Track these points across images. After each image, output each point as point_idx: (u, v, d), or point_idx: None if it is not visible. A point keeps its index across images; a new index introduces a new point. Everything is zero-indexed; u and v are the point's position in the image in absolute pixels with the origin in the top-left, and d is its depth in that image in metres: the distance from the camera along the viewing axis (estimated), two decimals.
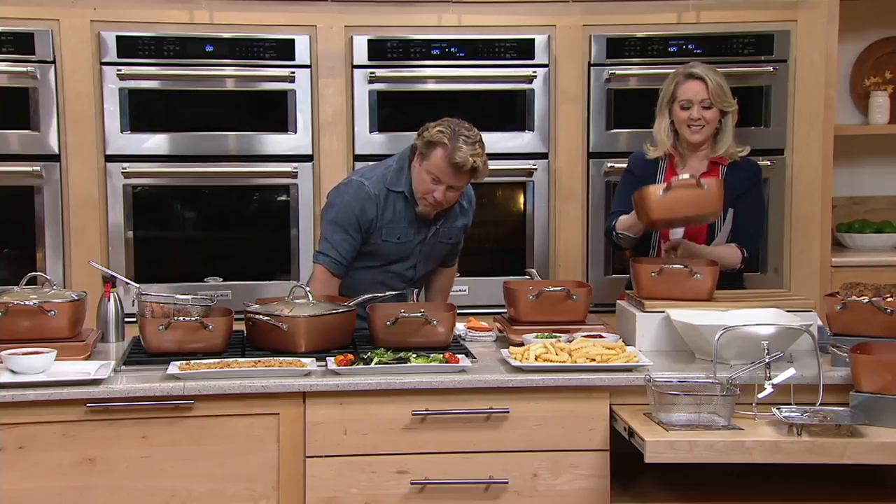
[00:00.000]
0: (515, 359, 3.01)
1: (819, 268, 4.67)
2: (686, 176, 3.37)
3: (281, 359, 3.02)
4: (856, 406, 2.82)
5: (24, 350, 2.92)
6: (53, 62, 4.33)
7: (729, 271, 3.62)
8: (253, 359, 3.03)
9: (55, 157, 4.37)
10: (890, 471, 3.00)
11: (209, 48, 4.41)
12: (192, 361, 2.97)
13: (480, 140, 3.42)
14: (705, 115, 3.63)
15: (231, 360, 3.01)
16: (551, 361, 2.98)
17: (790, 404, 2.84)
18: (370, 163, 3.96)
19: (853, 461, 2.72)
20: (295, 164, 4.48)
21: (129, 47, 4.36)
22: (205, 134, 4.47)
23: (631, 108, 4.56)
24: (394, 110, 4.51)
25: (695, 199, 3.33)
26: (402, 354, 3.03)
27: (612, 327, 3.39)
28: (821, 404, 2.85)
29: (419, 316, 3.14)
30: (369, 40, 4.46)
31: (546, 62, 4.54)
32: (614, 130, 4.58)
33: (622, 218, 3.65)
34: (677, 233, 3.69)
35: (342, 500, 2.93)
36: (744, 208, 3.70)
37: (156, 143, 4.43)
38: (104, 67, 4.36)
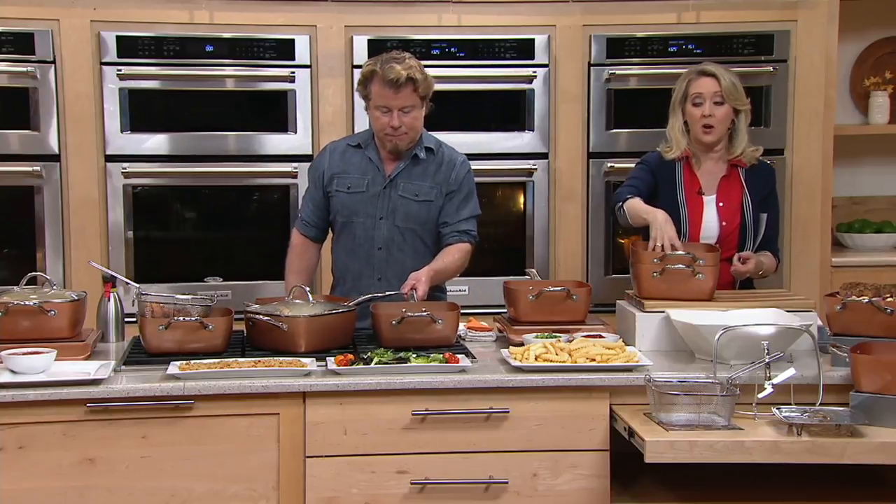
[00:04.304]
0: (515, 359, 3.01)
1: (819, 268, 4.67)
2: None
3: (281, 359, 3.02)
4: (856, 406, 2.82)
5: (24, 350, 2.92)
6: (53, 62, 4.33)
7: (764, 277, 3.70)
8: (253, 359, 3.03)
9: (55, 157, 4.37)
10: (890, 471, 3.00)
11: (209, 48, 4.41)
12: (192, 361, 2.97)
13: (411, 57, 3.55)
14: (717, 112, 3.61)
15: (231, 360, 3.01)
16: (551, 361, 2.98)
17: (790, 404, 2.84)
18: None
19: (853, 461, 2.72)
20: (295, 164, 4.48)
21: (129, 47, 4.36)
22: (205, 134, 4.47)
23: (631, 108, 4.55)
24: None
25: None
26: (402, 354, 3.03)
27: (612, 327, 3.39)
28: (821, 404, 2.85)
29: (424, 315, 3.15)
30: (369, 40, 4.46)
31: (546, 62, 4.54)
32: (614, 130, 4.58)
33: (637, 202, 3.56)
34: (711, 237, 3.65)
35: (342, 500, 2.93)
36: (767, 211, 3.72)
37: (156, 143, 4.43)
38: (104, 67, 4.36)
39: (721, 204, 3.68)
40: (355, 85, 3.63)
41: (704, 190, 3.69)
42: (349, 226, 3.62)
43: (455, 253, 3.56)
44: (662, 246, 3.35)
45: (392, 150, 3.57)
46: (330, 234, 3.75)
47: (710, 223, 3.67)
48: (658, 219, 3.43)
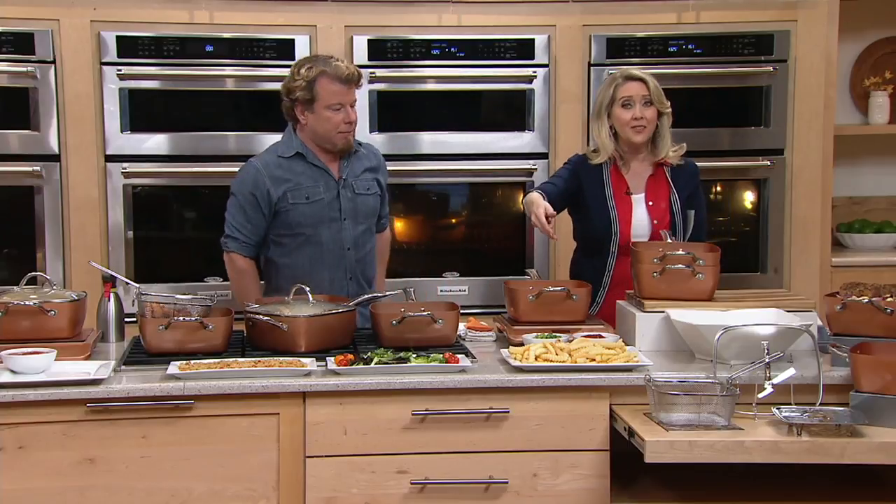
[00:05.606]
0: (515, 359, 3.01)
1: (819, 268, 4.67)
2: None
3: (281, 359, 3.03)
4: (856, 406, 2.82)
5: (24, 350, 2.92)
6: (53, 62, 4.33)
7: None
8: (253, 359, 3.03)
9: (55, 157, 4.37)
10: (890, 471, 3.00)
11: (209, 48, 4.41)
12: (192, 361, 2.97)
13: None
14: (646, 113, 3.68)
15: (231, 360, 3.01)
16: (551, 361, 2.98)
17: (790, 404, 2.84)
18: None
19: (853, 461, 2.72)
20: None
21: (129, 47, 4.36)
22: (205, 134, 4.46)
23: None
24: (394, 110, 4.51)
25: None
26: (402, 354, 3.03)
27: (611, 327, 3.39)
28: (821, 404, 2.85)
29: (424, 315, 3.15)
30: (369, 40, 4.46)
31: (546, 62, 4.54)
32: None
33: (532, 195, 3.61)
34: (642, 236, 3.69)
35: (342, 500, 2.93)
36: (694, 208, 3.75)
37: (156, 143, 4.43)
38: (104, 67, 4.35)
39: (650, 203, 3.73)
40: (289, 93, 3.57)
41: (632, 189, 3.75)
42: (315, 234, 3.61)
43: (387, 244, 3.95)
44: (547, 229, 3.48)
45: (344, 148, 3.61)
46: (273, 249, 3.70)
47: (641, 222, 3.72)
48: (528, 200, 3.58)
